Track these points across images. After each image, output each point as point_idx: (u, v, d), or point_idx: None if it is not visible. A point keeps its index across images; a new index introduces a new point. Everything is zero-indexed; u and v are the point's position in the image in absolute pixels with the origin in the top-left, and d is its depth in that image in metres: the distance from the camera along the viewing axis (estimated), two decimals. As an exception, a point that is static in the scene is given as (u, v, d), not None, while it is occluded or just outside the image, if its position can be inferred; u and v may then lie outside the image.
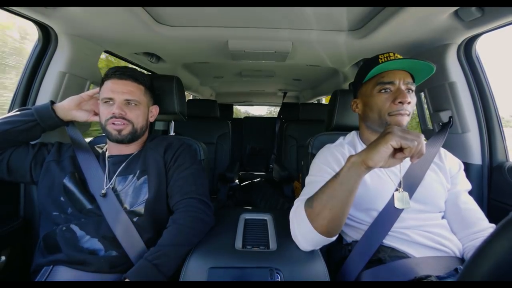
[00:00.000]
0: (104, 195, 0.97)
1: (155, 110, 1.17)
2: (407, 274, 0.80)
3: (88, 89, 1.44)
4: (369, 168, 0.71)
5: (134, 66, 1.94)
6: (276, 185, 2.79)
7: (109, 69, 1.05)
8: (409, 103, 0.89)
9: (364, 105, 1.01)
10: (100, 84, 1.06)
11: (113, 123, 1.00)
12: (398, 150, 0.69)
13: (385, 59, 0.91)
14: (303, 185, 1.00)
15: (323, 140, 1.25)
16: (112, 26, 1.25)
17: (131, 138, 1.04)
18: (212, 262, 0.82)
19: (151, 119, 1.16)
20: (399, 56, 0.91)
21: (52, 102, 1.03)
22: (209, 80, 3.05)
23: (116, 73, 1.03)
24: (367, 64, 0.99)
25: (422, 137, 0.68)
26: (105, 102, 1.02)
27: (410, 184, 0.93)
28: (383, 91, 0.93)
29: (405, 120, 0.90)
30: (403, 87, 0.91)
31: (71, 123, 1.11)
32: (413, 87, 0.93)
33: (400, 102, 0.89)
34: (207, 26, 1.32)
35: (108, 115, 1.00)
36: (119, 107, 1.00)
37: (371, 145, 0.70)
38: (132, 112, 1.03)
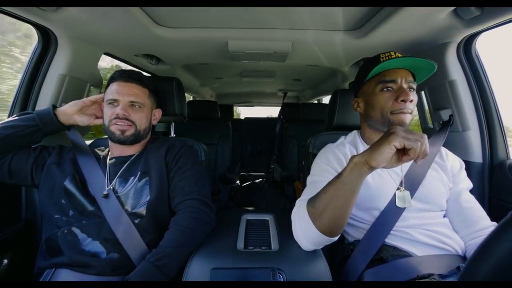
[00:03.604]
0: (106, 196, 0.97)
1: (158, 113, 1.18)
2: (409, 273, 0.80)
3: (88, 92, 1.45)
4: (372, 169, 0.71)
5: (133, 68, 1.94)
6: (277, 186, 2.79)
7: (115, 71, 1.07)
8: (411, 101, 0.89)
9: (366, 104, 1.01)
10: (106, 86, 1.07)
11: (117, 124, 1.01)
12: (402, 152, 0.69)
13: (387, 58, 0.91)
14: (304, 185, 1.00)
15: (324, 140, 1.25)
16: (112, 28, 1.25)
17: (134, 139, 1.05)
18: (214, 263, 0.82)
19: (154, 122, 1.17)
20: (400, 55, 0.91)
21: (54, 107, 1.03)
22: (209, 81, 3.05)
23: (122, 75, 1.04)
24: (368, 63, 0.99)
25: (426, 138, 0.68)
26: (110, 103, 1.03)
27: (411, 183, 0.93)
28: (385, 89, 0.93)
29: (408, 118, 0.91)
30: (405, 85, 0.91)
31: (73, 126, 1.11)
32: (415, 86, 0.94)
33: (402, 100, 0.89)
34: (206, 27, 1.32)
35: (112, 116, 1.01)
36: (123, 108, 1.01)
37: (374, 145, 0.70)
38: (136, 114, 1.04)
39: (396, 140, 0.66)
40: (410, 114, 0.91)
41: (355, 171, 0.72)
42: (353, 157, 0.74)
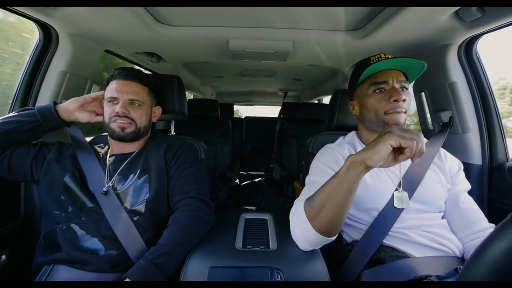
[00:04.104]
0: (106, 193, 0.98)
1: (158, 110, 1.18)
2: (407, 274, 0.80)
3: (88, 89, 1.44)
4: (368, 168, 0.71)
5: (134, 66, 1.94)
6: (277, 185, 2.79)
7: (114, 69, 1.07)
8: (404, 100, 0.90)
9: (360, 106, 1.02)
10: (106, 84, 1.08)
11: (116, 121, 1.01)
12: (399, 151, 0.69)
13: (377, 59, 0.92)
14: (303, 185, 1.00)
15: (324, 140, 1.25)
16: (113, 26, 1.25)
17: (134, 137, 1.05)
18: (212, 261, 0.82)
19: (154, 120, 1.17)
20: (390, 56, 0.92)
21: (55, 103, 1.04)
22: (209, 79, 3.05)
23: (122, 73, 1.05)
24: (359, 66, 1.00)
25: (422, 136, 0.68)
26: (110, 101, 1.03)
27: (409, 184, 0.93)
28: (377, 91, 0.94)
29: (402, 117, 0.91)
30: (397, 85, 0.92)
31: (73, 123, 1.11)
32: (407, 85, 0.94)
33: (395, 100, 0.89)
34: (208, 26, 1.32)
35: (112, 114, 1.02)
36: (123, 106, 1.01)
37: (370, 144, 0.70)
38: (136, 112, 1.04)
39: (391, 138, 0.67)
40: (405, 113, 0.92)
41: (352, 170, 0.72)
42: (349, 156, 0.74)
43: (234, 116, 4.07)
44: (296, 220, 0.84)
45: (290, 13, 1.16)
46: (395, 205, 0.88)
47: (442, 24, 1.10)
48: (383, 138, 0.68)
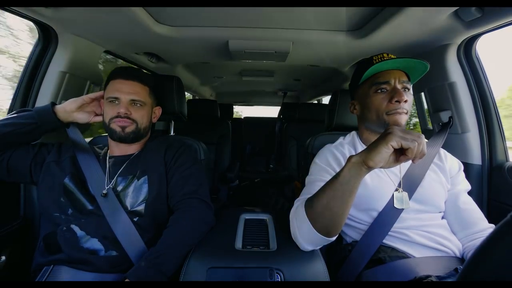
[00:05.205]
0: (105, 195, 0.97)
1: (158, 111, 1.18)
2: (407, 274, 0.80)
3: (88, 89, 1.44)
4: (369, 169, 0.71)
5: (134, 67, 1.94)
6: (276, 185, 2.79)
7: (115, 68, 1.07)
8: (405, 101, 0.89)
9: (361, 106, 1.01)
10: (105, 83, 1.07)
11: (117, 122, 1.01)
12: (400, 153, 0.69)
13: (379, 59, 0.92)
14: (303, 185, 1.00)
15: (323, 140, 1.25)
16: (113, 26, 1.25)
17: (134, 137, 1.05)
18: (212, 262, 0.82)
19: (154, 120, 1.17)
20: (392, 56, 0.92)
21: (53, 104, 1.03)
22: (209, 80, 3.05)
23: (123, 73, 1.04)
24: (362, 66, 1.00)
25: (423, 138, 0.68)
26: (110, 101, 1.02)
27: (409, 184, 0.93)
28: (379, 91, 0.93)
29: (403, 118, 0.91)
30: (399, 86, 0.91)
31: (72, 124, 1.10)
32: (409, 86, 0.94)
33: (397, 101, 0.89)
34: (207, 26, 1.33)
35: (113, 114, 1.01)
36: (125, 107, 1.01)
37: (371, 145, 0.70)
38: (137, 112, 1.04)
39: (393, 140, 0.66)
40: (406, 114, 0.91)
41: (353, 171, 0.72)
42: (350, 157, 0.74)
43: (234, 117, 4.07)
44: (296, 220, 0.84)
45: (289, 13, 1.16)
46: (395, 205, 0.88)
47: (441, 24, 1.11)
48: (385, 139, 0.68)
